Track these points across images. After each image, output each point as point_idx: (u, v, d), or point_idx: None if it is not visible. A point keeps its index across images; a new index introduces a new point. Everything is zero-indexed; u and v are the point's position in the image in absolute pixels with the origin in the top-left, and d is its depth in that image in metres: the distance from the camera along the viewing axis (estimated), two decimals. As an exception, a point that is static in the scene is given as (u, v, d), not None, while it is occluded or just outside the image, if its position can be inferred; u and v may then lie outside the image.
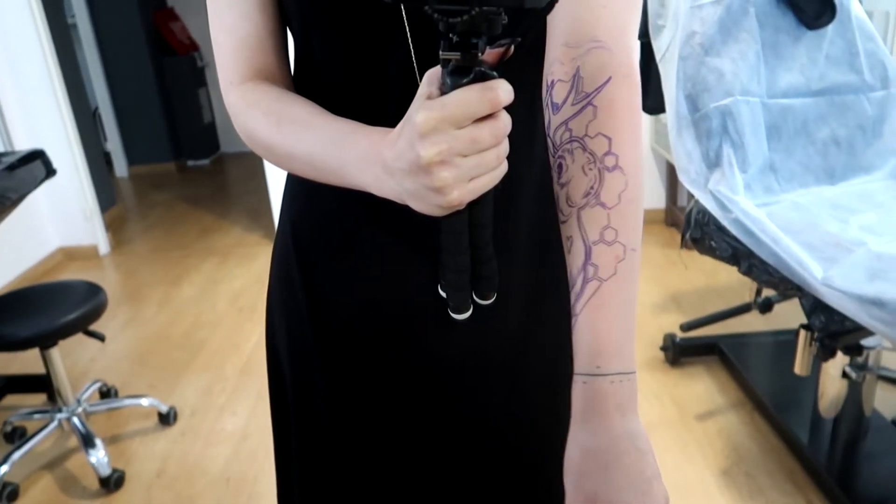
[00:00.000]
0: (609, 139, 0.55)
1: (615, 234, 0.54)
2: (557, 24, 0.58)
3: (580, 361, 0.54)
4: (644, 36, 1.83)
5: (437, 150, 0.47)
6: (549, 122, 0.58)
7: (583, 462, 0.53)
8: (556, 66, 0.58)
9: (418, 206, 0.52)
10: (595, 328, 0.54)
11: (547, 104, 0.58)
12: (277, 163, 0.66)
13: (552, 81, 0.58)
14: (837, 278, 1.31)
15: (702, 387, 2.22)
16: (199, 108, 5.38)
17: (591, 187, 0.55)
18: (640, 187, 0.56)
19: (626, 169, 0.55)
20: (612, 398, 0.53)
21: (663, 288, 2.87)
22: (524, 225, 0.71)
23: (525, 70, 0.62)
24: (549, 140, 0.58)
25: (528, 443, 0.75)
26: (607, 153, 0.55)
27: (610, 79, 0.56)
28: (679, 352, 2.33)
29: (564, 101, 0.57)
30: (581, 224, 0.55)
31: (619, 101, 0.56)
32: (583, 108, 0.56)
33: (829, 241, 1.41)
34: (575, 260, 0.55)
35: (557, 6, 0.57)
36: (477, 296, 0.62)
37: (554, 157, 0.57)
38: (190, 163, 5.53)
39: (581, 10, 0.57)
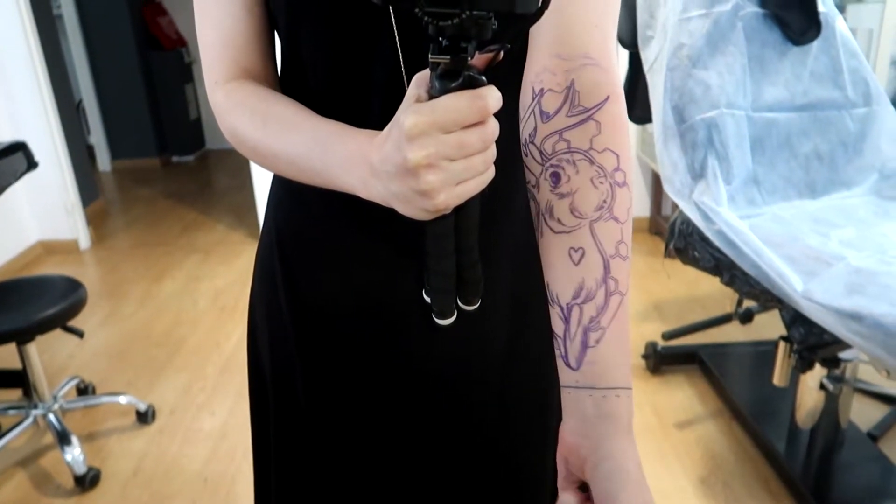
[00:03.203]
0: (617, 156, 0.56)
1: (627, 249, 0.55)
2: (545, 33, 0.58)
3: (616, 374, 0.53)
4: (633, 46, 1.85)
5: (425, 153, 0.47)
6: (535, 129, 0.57)
7: (631, 477, 0.51)
8: (545, 76, 0.57)
9: (404, 209, 0.51)
10: (621, 342, 0.54)
11: (532, 111, 0.58)
12: (262, 163, 0.65)
13: (542, 90, 0.57)
14: (817, 291, 1.33)
15: (681, 395, 2.23)
16: (185, 104, 5.34)
17: (604, 201, 0.55)
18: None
19: (630, 187, 0.57)
20: (629, 414, 0.54)
21: (646, 296, 2.89)
22: (511, 232, 0.71)
23: (513, 76, 0.63)
24: (530, 146, 0.58)
25: (509, 451, 0.75)
26: (616, 169, 0.55)
27: (608, 98, 0.57)
28: (660, 360, 2.34)
29: (557, 112, 0.56)
30: (596, 237, 0.55)
31: (619, 120, 0.57)
32: (582, 121, 0.56)
33: (810, 255, 1.43)
34: (591, 272, 0.54)
35: (545, 16, 0.57)
36: (461, 301, 0.62)
37: (542, 164, 0.57)
38: (174, 158, 5.48)
39: (573, 23, 0.57)
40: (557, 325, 0.55)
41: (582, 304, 0.54)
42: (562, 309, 0.55)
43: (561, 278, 0.55)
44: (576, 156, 0.56)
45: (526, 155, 0.58)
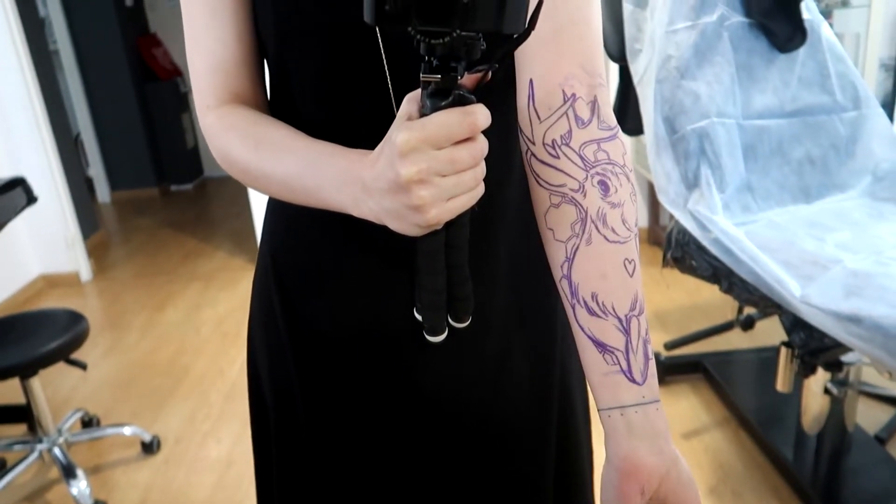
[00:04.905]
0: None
1: None
2: (566, 40, 0.59)
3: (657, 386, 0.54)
4: (622, 59, 1.86)
5: (417, 168, 0.48)
6: (570, 133, 0.58)
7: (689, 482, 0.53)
8: (575, 83, 0.58)
9: (397, 225, 0.52)
10: None
11: (565, 114, 0.58)
12: (254, 185, 0.66)
13: (573, 95, 0.58)
14: (815, 296, 1.33)
15: (687, 405, 2.23)
16: (182, 133, 5.38)
17: (637, 219, 0.58)
18: None
19: None
20: None
21: (647, 306, 2.87)
22: (504, 250, 0.71)
23: (502, 96, 0.64)
24: (564, 148, 0.58)
25: (508, 467, 0.75)
26: (635, 192, 0.59)
27: (618, 126, 0.60)
28: (664, 370, 2.34)
29: (590, 121, 0.58)
30: (638, 251, 0.57)
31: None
32: (612, 137, 0.58)
33: (807, 259, 1.44)
34: (640, 285, 0.56)
35: (566, 23, 0.58)
36: (452, 318, 0.63)
37: (586, 169, 0.57)
38: (173, 187, 5.51)
39: (592, 42, 0.60)
40: (614, 338, 0.53)
41: (639, 317, 0.55)
42: (620, 321, 0.54)
43: (618, 289, 0.55)
44: (616, 169, 0.57)
45: (556, 157, 0.58)
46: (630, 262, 0.56)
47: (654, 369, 0.54)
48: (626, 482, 0.51)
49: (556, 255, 0.58)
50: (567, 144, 0.58)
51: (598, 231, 0.56)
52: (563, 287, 0.57)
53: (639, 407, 0.52)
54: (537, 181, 0.59)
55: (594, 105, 0.58)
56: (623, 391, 0.52)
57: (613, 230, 0.56)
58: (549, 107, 0.58)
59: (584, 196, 0.56)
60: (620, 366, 0.53)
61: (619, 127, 0.60)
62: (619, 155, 0.58)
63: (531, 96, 0.59)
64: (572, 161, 0.57)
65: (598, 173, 0.57)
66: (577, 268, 0.56)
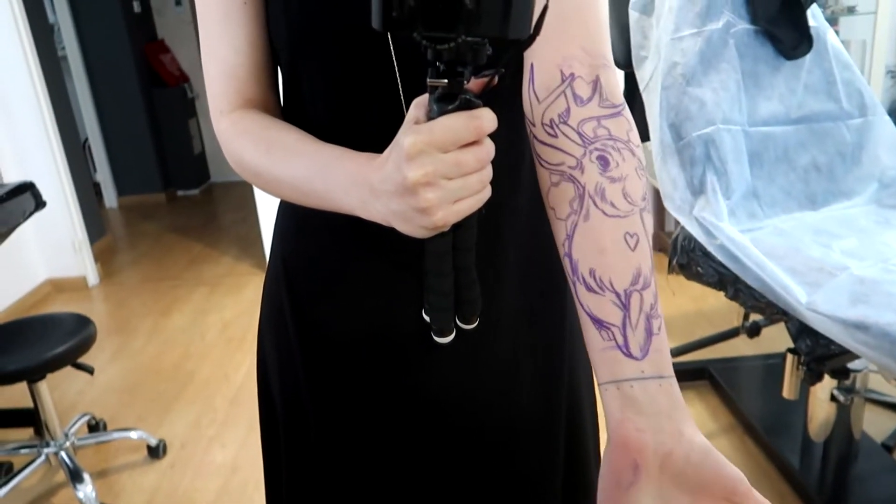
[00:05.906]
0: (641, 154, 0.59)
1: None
2: (572, 25, 0.60)
3: (670, 362, 0.53)
4: (627, 66, 1.87)
5: (423, 171, 0.48)
6: (567, 111, 0.58)
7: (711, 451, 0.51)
8: (574, 63, 0.59)
9: (404, 227, 0.53)
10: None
11: (563, 94, 0.58)
12: (266, 188, 0.67)
13: (571, 74, 0.59)
14: (821, 303, 1.33)
15: (693, 411, 2.22)
16: (189, 139, 5.40)
17: (644, 193, 0.57)
18: None
19: None
20: None
21: (652, 313, 2.88)
22: (513, 252, 0.72)
23: (510, 101, 0.64)
24: (562, 127, 0.58)
25: (516, 470, 0.76)
26: (643, 166, 0.58)
27: (624, 102, 0.59)
28: (669, 377, 2.33)
29: (590, 100, 0.58)
30: (644, 225, 0.56)
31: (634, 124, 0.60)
32: (614, 115, 0.58)
33: (813, 266, 1.43)
34: (645, 259, 0.55)
35: (569, 9, 0.59)
36: (460, 319, 0.63)
37: (584, 146, 0.57)
38: (180, 193, 5.53)
39: (594, 25, 0.60)
40: (612, 314, 0.52)
41: (641, 291, 0.53)
42: (618, 296, 0.53)
43: (617, 263, 0.54)
44: (618, 144, 0.57)
45: (554, 136, 0.58)
46: (632, 236, 0.55)
47: (663, 345, 0.52)
48: (614, 452, 0.49)
49: (559, 233, 0.57)
50: (565, 122, 0.58)
51: (596, 206, 0.55)
52: (565, 265, 0.57)
53: (635, 382, 0.50)
54: (539, 162, 0.60)
55: (596, 84, 0.58)
56: (618, 366, 0.51)
57: (612, 204, 0.55)
58: (548, 87, 0.59)
59: (582, 172, 0.56)
60: (616, 341, 0.51)
61: (625, 105, 0.59)
62: (623, 131, 0.57)
63: (531, 80, 0.60)
64: (570, 138, 0.57)
65: (597, 149, 0.56)
66: (576, 244, 0.55)
